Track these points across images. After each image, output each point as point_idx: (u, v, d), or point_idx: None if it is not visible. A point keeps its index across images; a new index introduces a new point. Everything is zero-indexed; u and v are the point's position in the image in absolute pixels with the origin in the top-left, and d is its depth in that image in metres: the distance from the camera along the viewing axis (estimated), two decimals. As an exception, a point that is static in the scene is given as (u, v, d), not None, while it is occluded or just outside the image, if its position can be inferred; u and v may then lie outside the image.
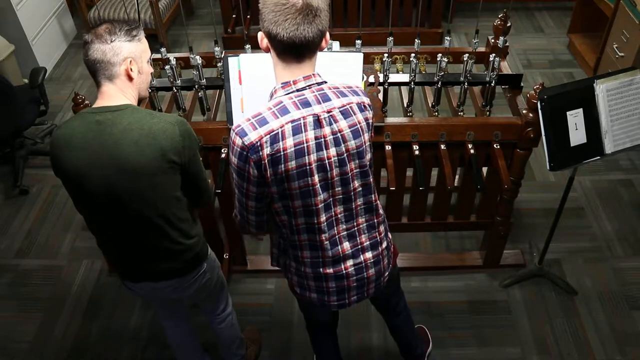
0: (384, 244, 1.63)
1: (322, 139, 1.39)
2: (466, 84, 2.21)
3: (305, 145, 1.37)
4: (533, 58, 4.19)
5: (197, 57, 2.14)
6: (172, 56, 2.20)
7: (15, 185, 3.25)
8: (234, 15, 4.29)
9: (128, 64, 1.49)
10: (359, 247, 1.57)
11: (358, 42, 2.16)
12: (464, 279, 2.68)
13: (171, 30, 4.63)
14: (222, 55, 2.21)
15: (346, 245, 1.54)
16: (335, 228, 1.51)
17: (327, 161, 1.41)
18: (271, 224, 1.58)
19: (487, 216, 2.54)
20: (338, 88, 1.44)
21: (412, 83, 2.21)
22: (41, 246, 2.95)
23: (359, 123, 1.43)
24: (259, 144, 1.35)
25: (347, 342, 2.42)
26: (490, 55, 2.19)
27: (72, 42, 4.61)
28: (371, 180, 1.52)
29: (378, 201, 1.59)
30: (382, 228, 1.61)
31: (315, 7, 1.30)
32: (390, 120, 2.18)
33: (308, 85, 1.40)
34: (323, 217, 1.48)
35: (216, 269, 1.92)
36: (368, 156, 1.49)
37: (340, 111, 1.40)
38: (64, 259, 2.88)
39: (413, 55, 2.17)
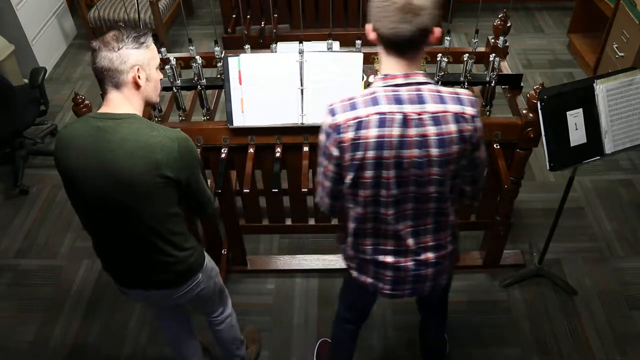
0: (449, 248, 1.62)
1: (407, 139, 1.39)
2: (466, 84, 2.21)
3: (387, 139, 1.38)
4: (533, 58, 4.19)
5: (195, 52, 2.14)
6: (172, 56, 2.20)
7: (15, 185, 3.25)
8: (234, 15, 4.29)
9: (136, 71, 1.47)
10: (422, 245, 1.57)
11: (358, 42, 2.16)
12: (464, 279, 2.67)
13: (171, 30, 4.63)
14: (222, 55, 2.21)
15: (410, 241, 1.55)
16: (402, 223, 1.52)
17: (406, 160, 1.41)
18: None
19: (487, 216, 2.54)
20: (440, 92, 1.41)
21: (412, 83, 2.21)
22: (41, 246, 2.95)
23: (450, 134, 1.39)
24: (344, 126, 1.39)
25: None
26: (490, 55, 2.19)
27: (72, 42, 4.61)
28: (446, 190, 1.48)
29: (452, 208, 1.56)
30: (449, 232, 1.60)
31: (416, 5, 1.30)
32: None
33: (407, 83, 1.40)
34: (391, 211, 1.49)
35: (213, 278, 1.88)
36: (451, 167, 1.44)
37: (431, 117, 1.38)
38: (64, 259, 2.88)
39: (413, 55, 2.16)
